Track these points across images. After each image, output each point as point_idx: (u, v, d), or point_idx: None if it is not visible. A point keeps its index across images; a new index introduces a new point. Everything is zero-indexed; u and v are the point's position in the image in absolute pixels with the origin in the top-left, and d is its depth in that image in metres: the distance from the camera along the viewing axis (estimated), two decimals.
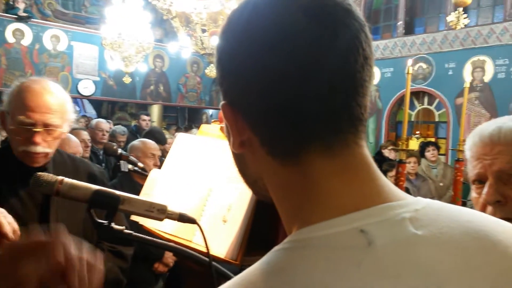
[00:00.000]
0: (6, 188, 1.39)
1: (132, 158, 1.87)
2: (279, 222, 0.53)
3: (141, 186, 2.60)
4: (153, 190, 1.49)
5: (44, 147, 1.40)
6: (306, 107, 0.44)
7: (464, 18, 2.73)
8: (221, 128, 1.48)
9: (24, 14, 8.02)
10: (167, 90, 10.01)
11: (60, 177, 0.82)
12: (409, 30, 7.19)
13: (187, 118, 12.62)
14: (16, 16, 7.89)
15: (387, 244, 0.42)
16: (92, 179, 1.60)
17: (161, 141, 4.36)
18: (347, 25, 0.44)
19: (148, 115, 7.28)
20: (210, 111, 11.83)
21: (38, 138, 1.37)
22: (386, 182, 0.48)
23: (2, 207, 1.21)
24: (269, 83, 0.44)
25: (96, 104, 11.65)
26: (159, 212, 0.87)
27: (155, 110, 10.00)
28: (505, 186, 0.92)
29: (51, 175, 0.82)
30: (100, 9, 10.10)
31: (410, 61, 2.43)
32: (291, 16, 0.44)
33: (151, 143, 3.09)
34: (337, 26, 0.44)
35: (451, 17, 2.85)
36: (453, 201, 2.85)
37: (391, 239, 0.42)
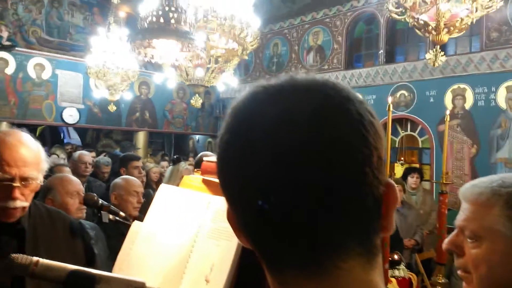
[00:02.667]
0: None
1: (113, 208, 1.84)
2: (264, 282, 0.53)
3: (126, 228, 2.55)
4: (134, 244, 1.46)
5: (22, 201, 1.37)
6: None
7: (442, 55, 2.82)
8: (203, 180, 1.48)
9: (8, 43, 7.99)
10: (153, 117, 9.99)
11: (35, 258, 0.80)
12: (390, 58, 7.36)
13: (173, 144, 12.57)
14: None
15: None
16: (70, 231, 1.57)
17: (137, 157, 4.93)
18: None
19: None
20: (197, 137, 11.82)
21: (16, 193, 1.34)
22: None
23: None
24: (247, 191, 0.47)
25: (81, 131, 11.55)
26: None
27: (141, 137, 9.95)
28: (463, 241, 0.99)
29: (25, 256, 0.80)
30: (85, 37, 10.13)
31: (390, 99, 2.47)
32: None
33: (133, 180, 3.06)
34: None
35: (429, 55, 2.93)
36: (438, 234, 2.86)
37: None
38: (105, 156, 6.56)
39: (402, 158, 6.98)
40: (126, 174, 3.67)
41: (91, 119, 9.04)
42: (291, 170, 0.43)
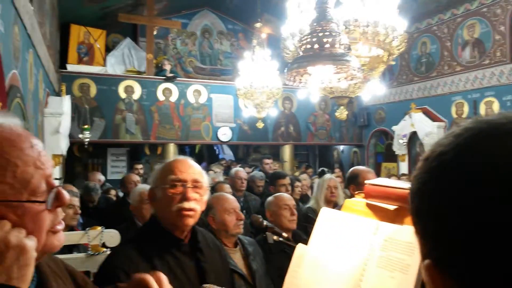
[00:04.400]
0: (158, 259, 1.47)
1: (277, 229, 1.91)
2: None
3: (286, 246, 2.61)
4: (300, 267, 1.47)
5: (195, 203, 1.53)
6: None
7: None
8: (368, 205, 1.41)
9: (171, 75, 9.18)
10: (297, 130, 10.23)
11: None
12: None
13: (317, 156, 12.65)
14: (164, 77, 9.08)
15: None
16: (220, 251, 1.72)
17: (283, 175, 4.96)
18: None
19: (269, 158, 7.51)
20: (341, 147, 11.66)
21: (190, 193, 1.51)
22: None
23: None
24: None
25: (233, 147, 12.52)
26: None
27: (287, 150, 10.28)
28: None
29: (214, 287, 0.85)
30: (233, 61, 11.03)
31: None
32: None
33: (283, 195, 3.17)
34: None
35: None
36: None
37: None
38: (253, 170, 6.96)
39: None
40: (274, 192, 3.81)
41: (241, 136, 9.73)
42: None
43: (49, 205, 0.76)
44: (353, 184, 2.94)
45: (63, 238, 0.84)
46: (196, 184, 1.54)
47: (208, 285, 0.87)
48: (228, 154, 13.15)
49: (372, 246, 1.29)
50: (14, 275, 0.67)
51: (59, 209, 0.81)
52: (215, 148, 13.33)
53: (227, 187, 3.96)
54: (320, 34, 2.09)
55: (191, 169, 1.57)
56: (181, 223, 1.51)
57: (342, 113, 5.04)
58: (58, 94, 7.43)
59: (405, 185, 1.33)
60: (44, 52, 5.36)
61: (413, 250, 1.18)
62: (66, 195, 0.80)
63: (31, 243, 0.71)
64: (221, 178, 6.21)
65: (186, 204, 1.50)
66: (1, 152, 0.72)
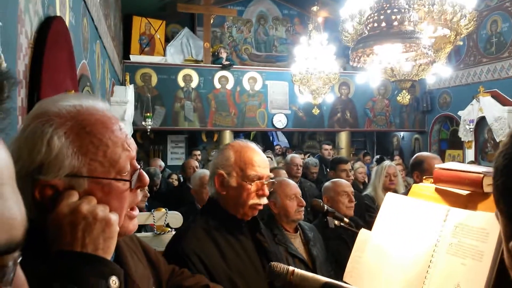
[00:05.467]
0: (223, 240, 1.49)
1: (338, 214, 1.88)
2: None
3: (345, 232, 2.58)
4: (364, 252, 1.45)
5: (266, 198, 1.56)
6: None
7: None
8: (437, 190, 1.35)
9: (227, 63, 9.30)
10: (354, 116, 9.98)
11: (291, 268, 0.86)
12: None
13: (375, 142, 12.28)
14: (221, 65, 9.22)
15: None
16: None
17: (345, 160, 4.93)
18: None
19: (329, 144, 7.40)
20: (401, 134, 11.21)
21: (266, 190, 1.53)
22: None
23: (225, 256, 1.39)
24: None
25: (288, 134, 12.50)
26: None
27: (343, 137, 10.08)
28: None
29: (282, 265, 0.87)
30: (288, 47, 10.94)
31: None
32: None
33: (341, 181, 3.12)
34: None
35: None
36: None
37: None
38: (309, 157, 6.91)
39: None
40: (335, 177, 3.75)
41: (297, 122, 9.68)
42: None
43: (133, 185, 0.81)
44: (418, 170, 2.82)
45: (137, 224, 0.89)
46: (269, 180, 1.57)
47: (276, 263, 0.88)
48: (282, 141, 13.16)
49: (442, 232, 1.24)
50: (100, 246, 0.72)
51: (138, 191, 0.85)
52: (269, 135, 13.39)
53: (283, 173, 3.97)
54: (388, 11, 1.99)
55: (267, 164, 1.59)
56: (250, 214, 1.54)
57: (404, 98, 4.84)
58: (122, 83, 7.82)
59: (479, 169, 1.25)
60: (109, 43, 5.65)
61: (487, 236, 1.12)
62: (146, 177, 0.84)
63: (115, 218, 0.76)
64: (275, 164, 6.24)
65: (262, 201, 1.54)
66: (95, 132, 0.77)
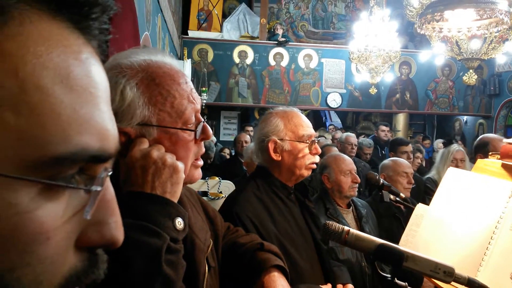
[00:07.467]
0: (273, 206, 1.53)
1: (394, 188, 1.84)
2: None
3: (398, 210, 2.53)
4: (420, 227, 1.42)
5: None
6: None
7: None
8: (504, 165, 1.28)
9: (282, 39, 9.20)
10: (414, 98, 9.55)
11: (346, 228, 0.86)
12: None
13: (435, 126, 11.71)
14: (276, 42, 9.15)
15: None
16: None
17: (405, 142, 4.62)
18: None
19: (386, 125, 7.14)
20: (465, 118, 10.58)
21: (319, 148, 1.57)
22: None
23: (275, 220, 1.43)
24: None
25: (341, 114, 12.23)
26: (446, 274, 0.80)
27: (401, 119, 9.71)
28: None
29: (337, 225, 0.87)
30: (347, 24, 10.60)
31: None
32: None
33: (402, 161, 3.00)
34: None
35: None
36: None
37: None
38: (364, 138, 6.73)
39: None
40: None
41: (352, 102, 9.44)
42: None
43: (197, 136, 0.85)
44: (481, 153, 2.67)
45: (201, 172, 0.93)
46: (317, 138, 1.63)
47: (331, 222, 0.89)
48: (335, 121, 12.89)
49: (507, 208, 1.18)
50: (168, 189, 0.77)
51: (202, 143, 0.89)
52: (321, 115, 13.17)
53: (334, 149, 3.91)
54: None
55: (311, 124, 1.65)
56: (306, 174, 1.57)
57: (471, 77, 4.56)
58: (180, 58, 8.02)
59: None
60: (169, 18, 5.79)
61: None
62: (210, 129, 0.88)
63: (182, 165, 0.80)
64: (329, 142, 6.16)
65: (317, 158, 1.60)
66: (163, 84, 0.82)
